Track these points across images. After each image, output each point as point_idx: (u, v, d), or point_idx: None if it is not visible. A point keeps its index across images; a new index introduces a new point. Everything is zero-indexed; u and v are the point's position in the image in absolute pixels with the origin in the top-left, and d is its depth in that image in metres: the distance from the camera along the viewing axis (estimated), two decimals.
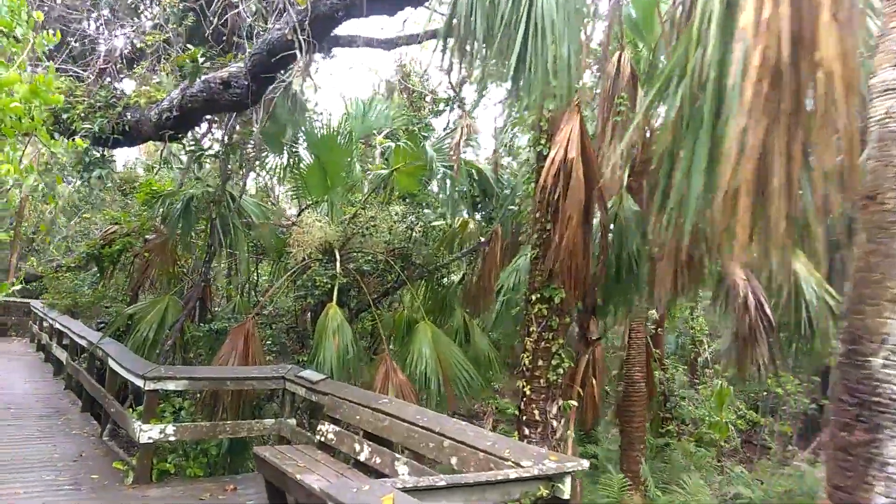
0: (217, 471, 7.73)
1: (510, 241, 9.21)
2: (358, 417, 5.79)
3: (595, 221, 5.77)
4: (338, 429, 6.09)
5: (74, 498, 5.78)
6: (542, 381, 5.57)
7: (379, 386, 7.87)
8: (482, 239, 10.67)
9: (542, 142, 5.70)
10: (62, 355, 12.02)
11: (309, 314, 9.71)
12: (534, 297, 5.71)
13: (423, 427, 5.09)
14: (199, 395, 7.64)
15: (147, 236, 9.27)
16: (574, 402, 5.55)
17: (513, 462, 4.17)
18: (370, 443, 5.55)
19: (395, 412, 5.44)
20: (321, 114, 9.64)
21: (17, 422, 8.59)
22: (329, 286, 8.39)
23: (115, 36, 7.55)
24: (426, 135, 10.04)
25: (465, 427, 4.95)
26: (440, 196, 10.13)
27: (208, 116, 7.78)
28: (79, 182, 6.90)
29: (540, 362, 5.60)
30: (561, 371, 5.51)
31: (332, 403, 6.30)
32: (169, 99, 6.16)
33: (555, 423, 5.48)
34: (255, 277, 12.31)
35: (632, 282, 6.11)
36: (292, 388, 7.13)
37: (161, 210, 9.15)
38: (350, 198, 10.38)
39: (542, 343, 5.61)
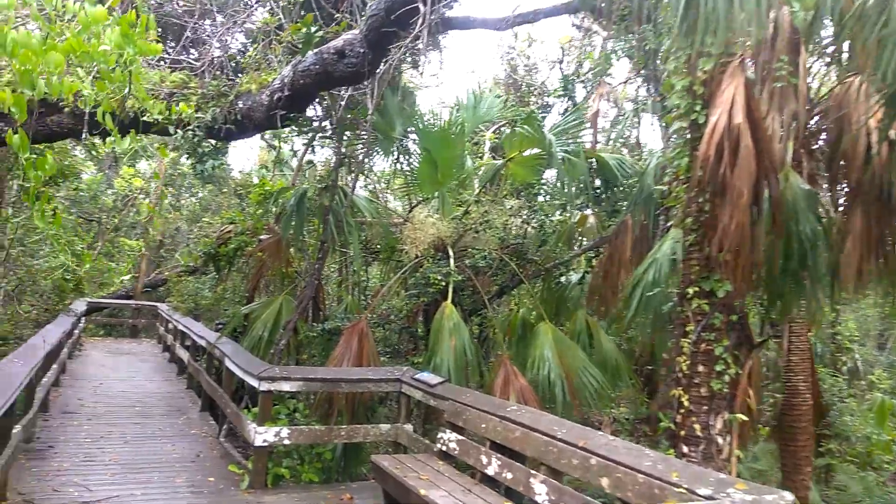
0: (332, 476, 7.41)
1: (638, 235, 8.30)
2: (484, 426, 5.19)
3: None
4: (461, 438, 5.52)
5: (191, 503, 5.57)
6: (702, 389, 4.71)
7: (498, 391, 7.24)
8: (603, 234, 9.81)
9: (698, 108, 4.86)
10: (184, 356, 12.35)
11: (421, 314, 9.27)
12: (690, 292, 4.86)
13: (562, 440, 4.40)
14: (312, 397, 7.34)
15: (261, 236, 9.22)
16: (743, 416, 4.65)
17: (685, 489, 3.39)
18: (499, 455, 4.93)
19: (528, 422, 4.78)
20: (430, 111, 9.16)
21: (142, 420, 8.74)
22: (443, 284, 7.88)
23: (231, 35, 7.49)
24: (541, 122, 9.33)
25: (614, 442, 4.21)
26: (558, 187, 9.37)
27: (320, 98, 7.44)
28: (193, 175, 6.83)
29: (700, 368, 4.74)
30: (726, 378, 4.62)
31: (454, 409, 5.74)
32: (280, 78, 5.91)
33: (720, 440, 4.61)
34: (365, 277, 12.07)
35: (804, 271, 5.10)
36: (408, 391, 6.67)
37: (274, 208, 9.05)
38: (461, 193, 9.85)
39: (703, 345, 4.75)
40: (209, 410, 9.53)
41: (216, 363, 9.30)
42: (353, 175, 8.52)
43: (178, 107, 6.50)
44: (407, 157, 9.47)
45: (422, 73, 9.91)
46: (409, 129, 9.26)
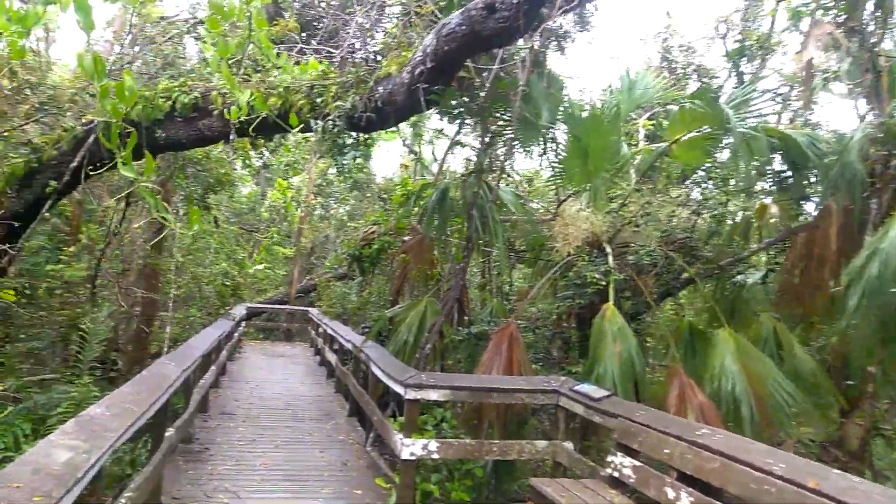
0: (482, 495, 6.80)
1: (843, 223, 6.86)
2: (667, 452, 4.29)
3: None
4: (636, 463, 4.66)
5: None
6: None
7: (673, 407, 6.23)
8: (791, 224, 8.36)
9: None
10: (333, 359, 12.46)
11: (573, 318, 8.42)
12: None
13: (782, 478, 3.41)
14: (460, 407, 6.79)
15: (404, 237, 8.91)
16: None
17: None
18: (691, 490, 4.01)
19: (729, 450, 3.82)
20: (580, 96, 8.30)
21: (292, 423, 8.73)
22: (603, 284, 7.01)
23: (370, 20, 7.19)
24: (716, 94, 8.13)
25: (862, 486, 3.16)
26: (734, 171, 8.10)
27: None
28: (334, 169, 6.59)
29: None
30: None
31: (626, 429, 4.89)
32: (422, 48, 5.45)
33: None
34: (509, 278, 11.42)
35: None
36: (567, 404, 5.89)
37: (416, 208, 8.68)
38: (616, 184, 8.88)
39: None
40: (356, 415, 9.36)
41: (363, 367, 9.12)
42: (497, 168, 7.89)
43: (319, 99, 6.32)
44: (554, 147, 8.70)
45: (566, 56, 9.04)
46: (555, 118, 8.49)
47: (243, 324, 18.24)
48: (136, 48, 8.38)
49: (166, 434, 5.10)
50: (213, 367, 9.29)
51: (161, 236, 11.74)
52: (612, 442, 7.90)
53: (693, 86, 13.49)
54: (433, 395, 5.88)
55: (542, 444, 6.12)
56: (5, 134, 7.43)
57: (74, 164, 7.48)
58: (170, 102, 7.04)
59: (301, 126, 6.12)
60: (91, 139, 7.57)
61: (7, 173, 8.02)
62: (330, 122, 5.96)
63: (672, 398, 6.32)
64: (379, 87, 6.05)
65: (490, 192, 7.40)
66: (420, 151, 20.41)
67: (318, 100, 6.19)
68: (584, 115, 8.15)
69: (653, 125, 11.19)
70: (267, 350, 17.65)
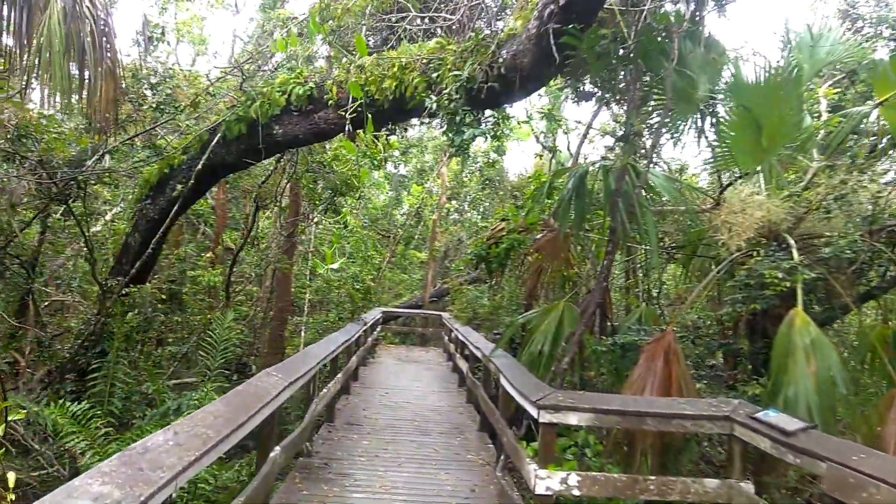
0: None
1: None
2: None
3: None
4: None
5: None
6: None
7: (895, 447, 4.75)
8: None
9: None
10: (463, 367, 11.78)
11: (745, 326, 6.98)
12: None
13: None
14: (605, 431, 5.71)
15: (537, 235, 7.97)
16: None
17: None
18: None
19: None
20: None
21: (419, 437, 8.11)
22: (787, 285, 5.60)
23: None
24: None
25: None
26: None
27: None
28: (451, 148, 5.83)
29: None
30: None
31: (840, 479, 3.60)
32: None
33: None
34: (658, 279, 10.03)
35: None
36: (745, 434, 4.65)
37: (549, 201, 7.71)
38: (798, 161, 7.32)
39: None
40: (487, 430, 8.57)
41: (493, 378, 8.31)
42: (643, 148, 6.71)
43: (435, 74, 5.57)
44: (713, 122, 7.31)
45: (727, 18, 7.60)
46: (716, 87, 7.13)
47: (378, 328, 18.21)
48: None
49: (271, 455, 4.59)
50: (339, 375, 8.92)
51: (292, 241, 11.76)
52: (793, 476, 6.39)
53: (885, 46, 11.23)
54: (572, 419, 4.90)
55: (712, 483, 4.89)
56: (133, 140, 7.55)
57: (199, 166, 7.38)
58: (285, 96, 6.69)
59: (417, 108, 5.43)
60: (214, 141, 7.45)
61: (142, 180, 8.18)
62: (445, 97, 5.21)
63: (893, 434, 4.82)
64: (502, 51, 5.21)
65: (637, 176, 6.25)
66: (555, 146, 19.30)
67: (434, 74, 5.49)
68: (757, 80, 6.73)
69: (837, 94, 9.32)
70: (401, 355, 17.41)
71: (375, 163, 12.09)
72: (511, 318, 11.72)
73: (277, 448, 4.79)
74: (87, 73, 5.75)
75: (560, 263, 7.72)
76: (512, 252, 7.53)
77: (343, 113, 6.35)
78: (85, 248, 8.28)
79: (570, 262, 8.22)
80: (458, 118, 5.33)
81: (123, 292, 8.24)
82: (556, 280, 7.91)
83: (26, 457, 6.69)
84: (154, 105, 7.41)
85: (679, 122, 6.76)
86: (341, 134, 6.90)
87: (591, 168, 6.62)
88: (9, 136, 6.41)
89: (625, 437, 5.54)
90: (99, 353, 7.92)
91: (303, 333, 12.84)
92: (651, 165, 6.58)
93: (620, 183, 5.88)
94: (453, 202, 25.85)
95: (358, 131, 8.00)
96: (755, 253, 6.35)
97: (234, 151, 7.31)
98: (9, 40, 5.71)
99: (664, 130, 6.38)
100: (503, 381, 6.51)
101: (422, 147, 23.91)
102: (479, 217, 22.16)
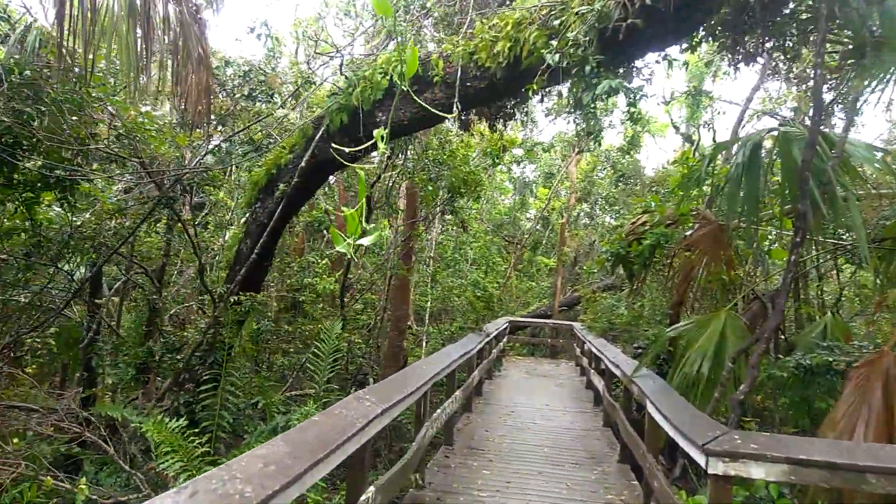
0: None
1: None
2: None
3: None
4: None
5: None
6: None
7: None
8: None
9: None
10: (599, 385, 10.45)
11: None
12: None
13: None
14: (800, 488, 4.28)
15: (688, 229, 6.57)
16: None
17: None
18: None
19: None
20: None
21: (548, 468, 6.99)
22: None
23: None
24: None
25: None
26: None
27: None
28: (576, 111, 4.71)
29: None
30: None
31: None
32: None
33: None
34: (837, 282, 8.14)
35: None
36: None
37: (704, 188, 6.31)
38: None
39: None
40: (629, 462, 7.25)
41: (636, 400, 7.00)
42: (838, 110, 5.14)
43: (557, 21, 4.49)
44: None
45: None
46: None
47: (505, 338, 17.18)
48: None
49: (361, 498, 3.73)
50: (458, 393, 8.02)
51: (409, 245, 11.08)
52: None
53: None
54: (757, 472, 3.59)
55: None
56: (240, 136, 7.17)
57: (303, 163, 6.82)
58: (387, 78, 5.92)
59: (533, 69, 4.39)
60: (318, 135, 6.87)
61: (251, 183, 7.82)
62: (570, 47, 4.12)
63: None
64: None
65: (831, 147, 4.75)
66: (697, 136, 17.27)
67: (556, 22, 4.42)
68: None
69: None
70: (528, 368, 16.24)
71: (496, 159, 11.13)
72: (654, 329, 10.21)
73: (372, 488, 3.92)
74: (176, 63, 5.38)
75: (719, 264, 6.27)
76: (658, 250, 6.21)
77: (453, 88, 5.46)
78: (196, 259, 8.08)
79: (731, 262, 6.71)
80: (587, 68, 4.19)
81: (233, 301, 7.92)
82: (714, 283, 6.46)
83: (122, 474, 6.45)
84: (247, 94, 7.01)
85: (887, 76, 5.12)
86: (452, 121, 6.04)
87: (764, 138, 5.17)
88: (114, 136, 6.25)
89: (832, 500, 4.09)
90: (211, 364, 7.63)
91: (424, 344, 12.14)
92: (846, 133, 5.01)
93: (809, 155, 4.43)
94: (583, 204, 24.28)
95: (472, 122, 7.10)
96: None
97: (339, 144, 6.69)
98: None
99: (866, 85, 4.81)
100: (652, 411, 5.25)
101: (548, 146, 22.65)
102: (613, 218, 20.45)
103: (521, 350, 21.46)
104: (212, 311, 7.44)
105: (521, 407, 10.69)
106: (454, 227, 16.96)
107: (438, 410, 6.71)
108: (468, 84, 5.57)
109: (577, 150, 17.50)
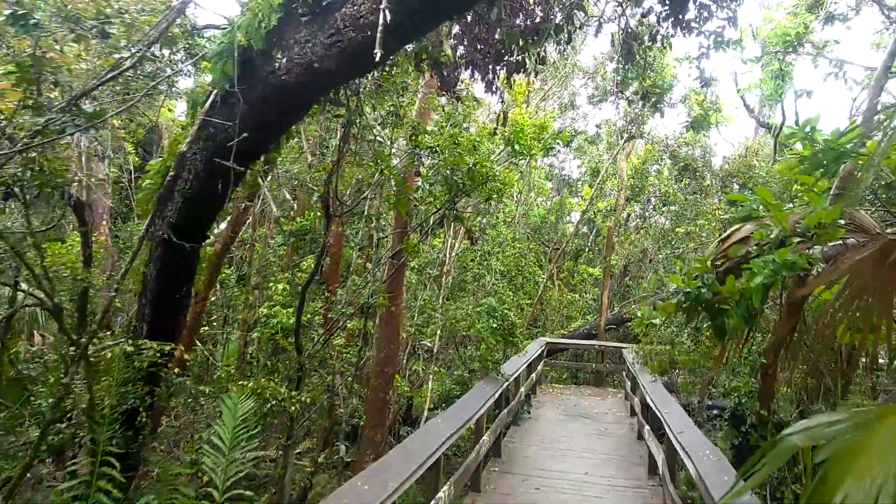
0: None
1: None
2: None
3: None
4: None
5: None
6: None
7: None
8: None
9: None
10: (658, 454, 7.60)
11: None
12: None
13: None
14: None
15: (827, 245, 3.71)
16: None
17: None
18: None
19: None
20: None
21: None
22: None
23: None
24: None
25: None
26: None
27: None
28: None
29: None
30: None
31: None
32: None
33: None
34: None
35: None
36: None
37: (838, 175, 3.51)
38: None
39: None
40: None
41: None
42: None
43: None
44: None
45: None
46: None
47: (540, 364, 14.37)
48: None
49: None
50: (452, 478, 5.37)
51: (396, 263, 8.38)
52: None
53: None
54: None
55: None
56: None
57: (183, 147, 4.24)
58: None
59: None
60: (207, 104, 4.29)
61: (142, 198, 5.32)
62: None
63: None
64: None
65: None
66: (774, 124, 14.10)
67: None
68: None
69: None
70: (567, 403, 13.35)
71: (517, 147, 8.39)
72: (737, 380, 7.26)
73: None
74: None
75: (891, 308, 3.45)
76: (771, 290, 3.41)
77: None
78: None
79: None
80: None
81: (134, 351, 5.48)
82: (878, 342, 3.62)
83: None
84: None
85: None
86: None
87: None
88: None
89: None
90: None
91: (430, 383, 9.54)
92: None
93: None
94: (634, 205, 21.14)
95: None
96: None
97: (235, 112, 4.14)
98: None
99: None
100: None
101: (594, 138, 19.67)
102: (669, 221, 17.25)
103: (561, 374, 18.55)
104: (67, 370, 4.96)
105: (551, 478, 7.94)
106: (479, 234, 14.24)
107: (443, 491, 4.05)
108: None
109: (626, 135, 14.49)
